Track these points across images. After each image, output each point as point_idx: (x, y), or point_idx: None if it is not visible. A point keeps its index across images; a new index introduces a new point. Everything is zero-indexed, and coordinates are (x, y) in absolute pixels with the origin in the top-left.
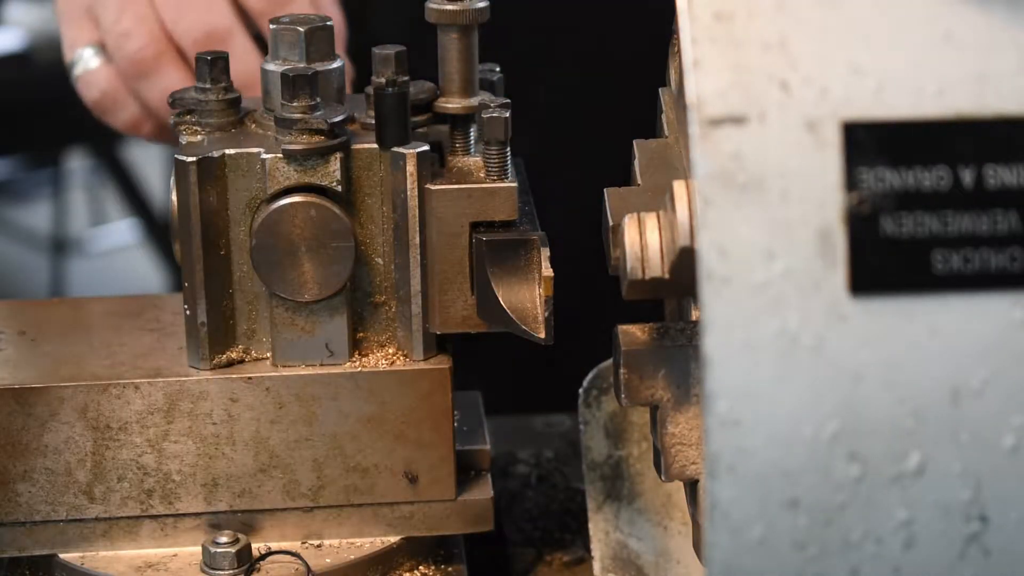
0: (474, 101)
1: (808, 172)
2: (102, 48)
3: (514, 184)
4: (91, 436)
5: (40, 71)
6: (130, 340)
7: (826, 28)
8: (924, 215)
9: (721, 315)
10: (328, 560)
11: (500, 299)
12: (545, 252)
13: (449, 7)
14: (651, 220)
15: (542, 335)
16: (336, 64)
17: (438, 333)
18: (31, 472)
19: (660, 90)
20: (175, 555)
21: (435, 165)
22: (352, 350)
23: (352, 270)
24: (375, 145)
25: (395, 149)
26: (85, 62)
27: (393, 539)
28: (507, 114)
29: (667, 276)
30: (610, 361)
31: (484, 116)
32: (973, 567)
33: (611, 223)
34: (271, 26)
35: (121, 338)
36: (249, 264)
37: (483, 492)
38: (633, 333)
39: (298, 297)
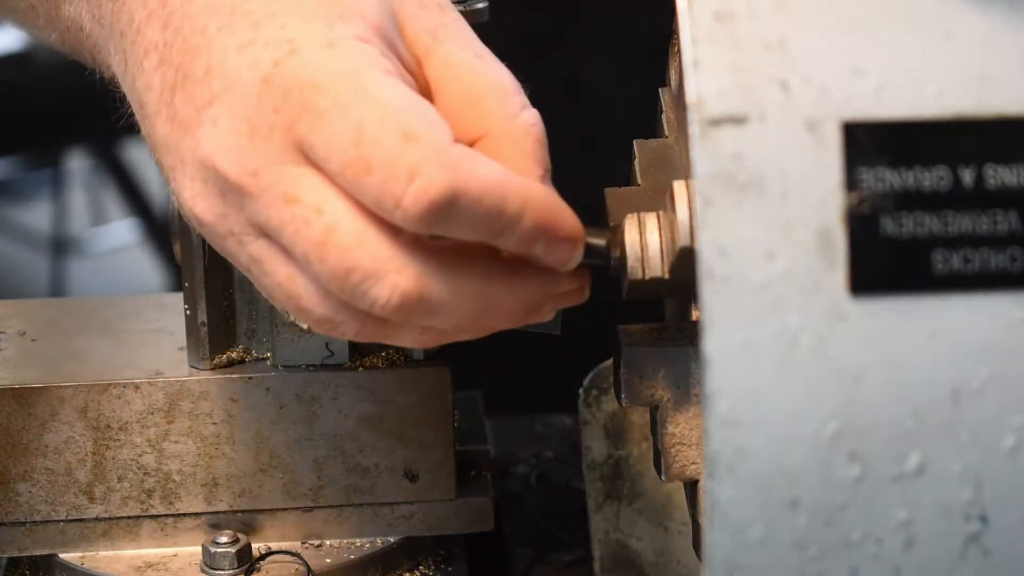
0: None
1: (808, 172)
2: None
3: None
4: (91, 436)
5: (40, 71)
6: (130, 340)
7: (826, 28)
8: (924, 215)
9: (721, 315)
10: (328, 560)
11: None
12: None
13: None
14: (651, 220)
15: (558, 332)
16: None
17: None
18: (31, 472)
19: (660, 90)
20: (175, 555)
21: None
22: (352, 350)
23: None
24: None
25: None
26: None
27: (393, 539)
28: None
29: (667, 276)
30: (610, 361)
31: None
32: (973, 567)
33: (611, 223)
34: None
35: (121, 338)
36: None
37: (483, 492)
38: (633, 333)
39: None
